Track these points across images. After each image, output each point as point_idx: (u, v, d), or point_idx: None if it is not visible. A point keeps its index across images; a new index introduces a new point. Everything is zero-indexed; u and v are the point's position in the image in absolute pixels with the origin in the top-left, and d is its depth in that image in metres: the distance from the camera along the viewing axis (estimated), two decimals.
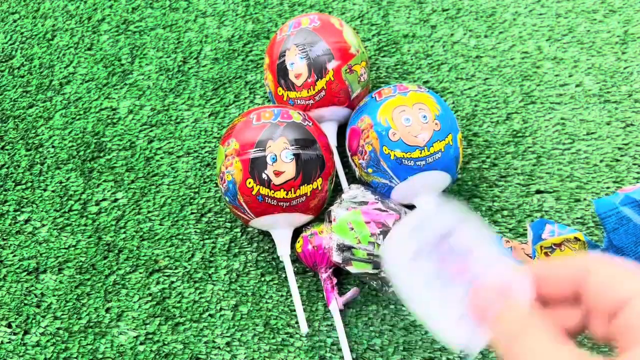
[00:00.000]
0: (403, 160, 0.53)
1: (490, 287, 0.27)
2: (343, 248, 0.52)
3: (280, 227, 0.54)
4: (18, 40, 0.73)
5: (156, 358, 0.53)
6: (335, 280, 0.54)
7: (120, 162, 0.64)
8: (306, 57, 0.57)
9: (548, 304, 0.25)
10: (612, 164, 0.62)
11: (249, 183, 0.52)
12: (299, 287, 0.56)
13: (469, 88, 0.67)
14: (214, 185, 0.62)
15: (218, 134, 0.65)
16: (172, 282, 0.57)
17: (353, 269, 0.52)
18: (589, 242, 0.51)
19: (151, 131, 0.65)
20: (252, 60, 0.70)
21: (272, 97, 0.61)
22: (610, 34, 0.70)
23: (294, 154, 0.52)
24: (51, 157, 0.64)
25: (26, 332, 0.55)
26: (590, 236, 0.57)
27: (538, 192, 0.60)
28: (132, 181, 0.62)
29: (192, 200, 0.61)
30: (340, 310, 0.54)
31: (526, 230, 0.58)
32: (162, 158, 0.64)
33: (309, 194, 0.53)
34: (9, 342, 0.54)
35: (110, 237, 0.59)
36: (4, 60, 0.71)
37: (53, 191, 0.62)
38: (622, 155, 0.62)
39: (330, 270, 0.54)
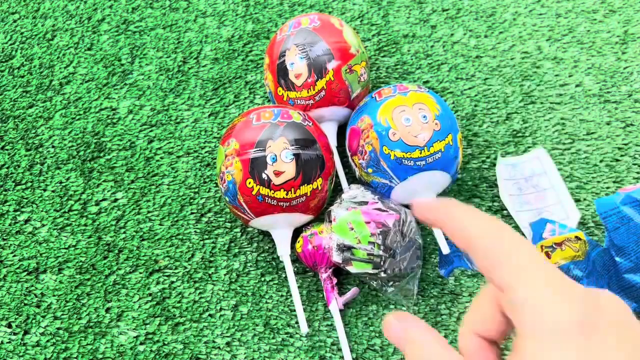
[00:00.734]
0: (403, 160, 0.53)
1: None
2: (343, 248, 0.52)
3: (280, 227, 0.54)
4: (18, 40, 0.73)
5: (156, 358, 0.53)
6: (335, 280, 0.54)
7: (120, 162, 0.64)
8: (306, 57, 0.57)
9: (501, 339, 0.23)
10: (612, 164, 0.62)
11: (249, 183, 0.52)
12: (299, 287, 0.56)
13: (469, 88, 0.67)
14: (214, 185, 0.62)
15: (218, 134, 0.65)
16: (172, 282, 0.57)
17: (353, 269, 0.52)
18: (590, 241, 0.51)
19: (151, 131, 0.65)
20: (252, 60, 0.70)
21: (272, 97, 0.61)
22: (610, 34, 0.70)
23: (294, 154, 0.52)
24: (51, 157, 0.64)
25: (26, 332, 0.55)
26: (590, 236, 0.57)
27: None
28: (132, 181, 0.62)
29: (192, 200, 0.61)
30: (340, 310, 0.54)
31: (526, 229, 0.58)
32: (162, 158, 0.64)
33: (309, 194, 0.53)
34: (9, 342, 0.54)
35: (110, 237, 0.59)
36: (4, 60, 0.71)
37: (53, 191, 0.62)
38: (622, 155, 0.62)
39: (330, 270, 0.54)
